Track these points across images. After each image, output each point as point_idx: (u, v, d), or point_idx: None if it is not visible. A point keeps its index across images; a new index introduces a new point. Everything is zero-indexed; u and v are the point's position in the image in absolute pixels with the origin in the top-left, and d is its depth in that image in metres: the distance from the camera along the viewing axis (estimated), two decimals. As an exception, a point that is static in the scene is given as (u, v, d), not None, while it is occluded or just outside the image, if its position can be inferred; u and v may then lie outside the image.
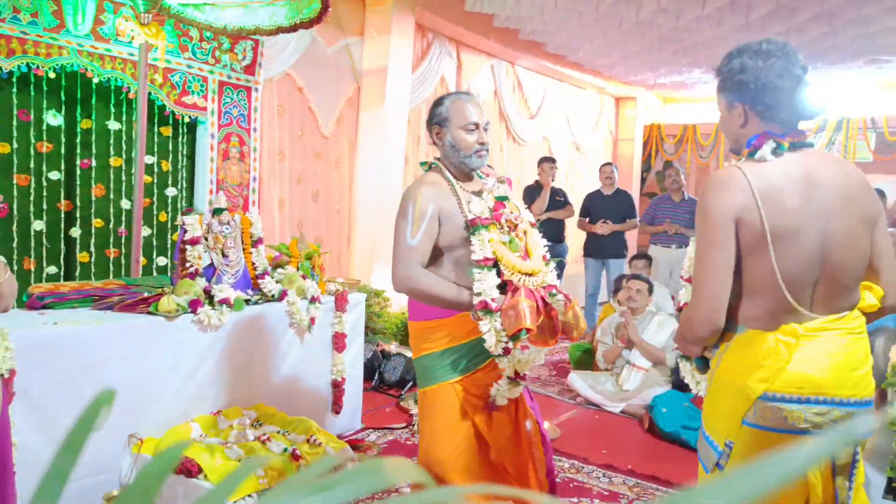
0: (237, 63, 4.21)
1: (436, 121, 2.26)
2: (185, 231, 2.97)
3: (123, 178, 3.90)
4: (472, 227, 2.11)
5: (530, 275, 2.14)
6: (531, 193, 6.24)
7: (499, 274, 2.08)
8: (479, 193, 2.21)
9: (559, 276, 6.58)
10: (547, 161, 6.27)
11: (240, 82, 4.24)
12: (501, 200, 2.20)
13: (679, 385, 4.20)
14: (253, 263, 3.24)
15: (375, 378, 4.51)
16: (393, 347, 4.84)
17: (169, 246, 4.17)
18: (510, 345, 2.04)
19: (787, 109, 1.64)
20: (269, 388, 3.17)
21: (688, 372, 1.94)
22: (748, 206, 1.56)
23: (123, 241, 3.91)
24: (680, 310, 1.96)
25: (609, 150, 9.62)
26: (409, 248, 2.09)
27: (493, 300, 2.03)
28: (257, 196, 4.46)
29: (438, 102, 2.28)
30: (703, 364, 1.88)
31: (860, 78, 7.46)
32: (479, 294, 2.05)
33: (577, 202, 6.42)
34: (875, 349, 4.49)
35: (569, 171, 8.64)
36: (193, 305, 2.80)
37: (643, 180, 10.29)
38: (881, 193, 6.43)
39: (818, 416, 1.57)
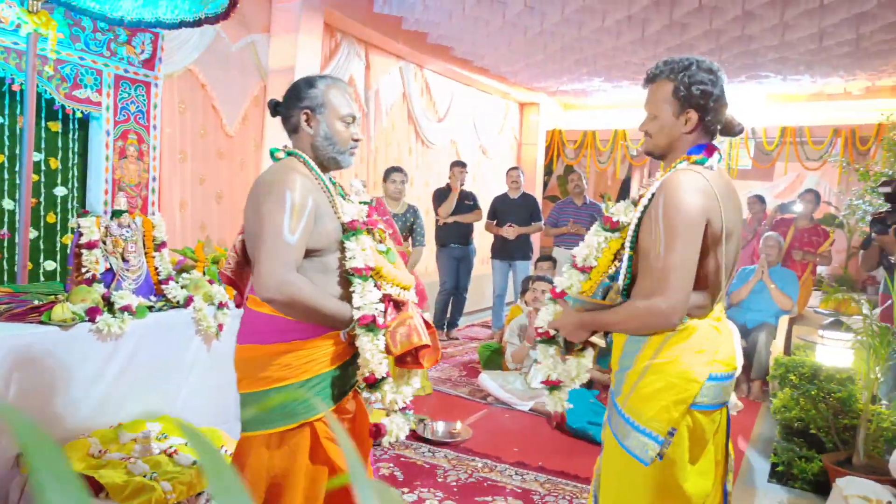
0: (135, 56, 3.99)
1: (306, 104, 1.88)
2: (81, 234, 2.79)
3: (6, 176, 3.60)
4: (348, 230, 1.83)
5: (406, 289, 1.93)
6: (441, 196, 6.30)
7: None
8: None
9: (468, 278, 6.67)
10: (457, 165, 6.38)
11: (138, 77, 4.01)
12: (369, 205, 1.98)
13: (585, 383, 4.36)
14: (156, 268, 3.08)
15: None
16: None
17: (58, 249, 3.89)
18: (388, 369, 1.82)
19: (721, 125, 1.81)
20: (175, 398, 3.02)
21: (549, 357, 1.90)
22: (714, 209, 1.70)
23: (6, 244, 3.61)
24: (560, 295, 1.89)
25: (513, 153, 9.86)
26: (286, 247, 1.69)
27: (378, 315, 1.79)
28: (157, 197, 4.24)
29: (310, 83, 1.90)
30: (569, 347, 1.90)
31: (742, 92, 8.04)
32: (359, 308, 1.78)
33: (482, 204, 6.53)
34: (758, 344, 4.87)
35: (475, 173, 8.77)
36: (91, 313, 2.62)
37: (545, 184, 10.62)
38: (761, 199, 6.97)
39: (729, 387, 1.81)
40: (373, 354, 1.76)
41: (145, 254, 3.07)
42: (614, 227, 1.86)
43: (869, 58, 6.27)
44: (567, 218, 6.55)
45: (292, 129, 1.93)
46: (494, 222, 6.51)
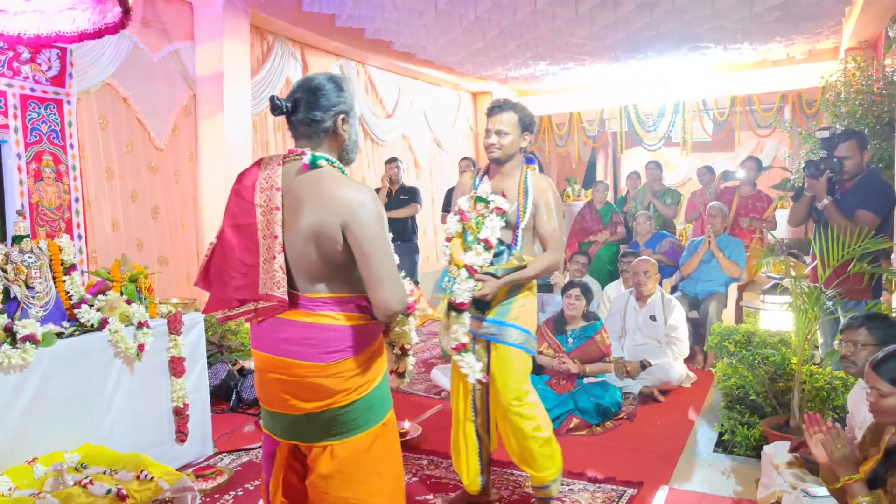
0: (41, 74, 3.85)
1: (342, 108, 1.82)
2: (-23, 264, 2.68)
3: (-87, 209, 3.46)
4: None
5: None
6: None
7: None
8: None
9: (413, 275, 6.53)
10: (388, 162, 6.42)
11: (47, 95, 3.87)
12: None
13: (535, 368, 4.30)
14: (67, 293, 2.97)
15: (233, 398, 4.30)
16: (250, 364, 4.64)
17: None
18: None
19: None
20: (98, 425, 2.92)
21: (464, 324, 2.60)
22: None
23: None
24: (475, 271, 2.58)
25: (470, 143, 9.77)
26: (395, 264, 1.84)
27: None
28: (82, 218, 4.10)
29: (339, 86, 1.83)
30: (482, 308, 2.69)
31: (688, 64, 8.01)
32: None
33: (441, 198, 6.43)
34: (709, 314, 4.84)
35: (431, 167, 8.69)
36: (-10, 346, 2.51)
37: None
38: (710, 170, 6.96)
39: None
40: (412, 332, 1.97)
41: (54, 278, 2.95)
42: (503, 214, 2.65)
43: (801, 21, 6.26)
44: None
45: (321, 132, 1.81)
46: (449, 214, 6.43)
